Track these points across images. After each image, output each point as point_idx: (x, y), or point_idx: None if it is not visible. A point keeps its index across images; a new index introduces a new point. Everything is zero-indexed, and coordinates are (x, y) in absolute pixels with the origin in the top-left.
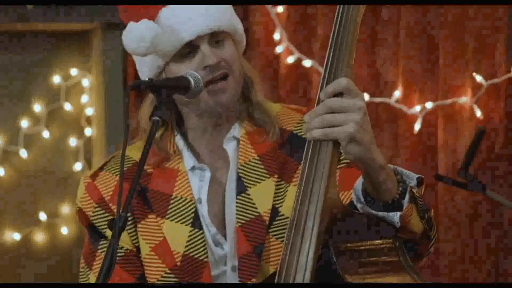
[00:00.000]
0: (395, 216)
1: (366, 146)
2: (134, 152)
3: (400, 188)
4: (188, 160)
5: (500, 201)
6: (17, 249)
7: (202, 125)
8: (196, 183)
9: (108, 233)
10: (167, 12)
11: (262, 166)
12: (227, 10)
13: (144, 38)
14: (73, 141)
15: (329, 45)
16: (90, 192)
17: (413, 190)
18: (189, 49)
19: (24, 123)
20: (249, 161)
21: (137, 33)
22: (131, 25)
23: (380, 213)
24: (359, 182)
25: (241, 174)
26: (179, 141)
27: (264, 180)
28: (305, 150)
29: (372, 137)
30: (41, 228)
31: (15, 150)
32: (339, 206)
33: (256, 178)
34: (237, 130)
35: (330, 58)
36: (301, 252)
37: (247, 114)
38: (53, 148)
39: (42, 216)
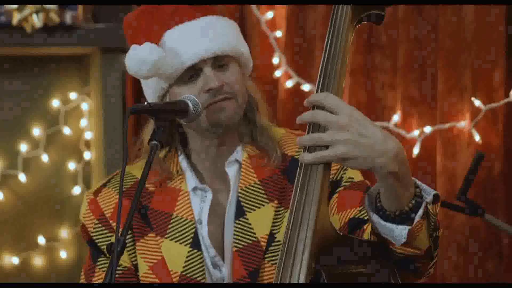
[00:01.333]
0: (404, 231)
1: (363, 158)
2: (137, 171)
3: (413, 201)
4: (191, 180)
5: (499, 225)
6: (15, 273)
7: (205, 147)
8: (197, 204)
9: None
10: (171, 34)
11: (262, 191)
12: (232, 34)
13: (146, 61)
14: (72, 165)
15: (319, 70)
16: (92, 208)
17: (428, 206)
18: (192, 72)
19: (23, 147)
20: (250, 185)
21: (139, 56)
22: (134, 48)
23: (389, 224)
24: (375, 186)
25: (241, 198)
26: (182, 161)
27: (263, 206)
28: (296, 174)
29: (372, 145)
30: (39, 252)
31: (13, 174)
32: (330, 230)
33: (255, 203)
34: (239, 154)
35: (321, 81)
36: (292, 276)
37: (251, 137)
38: (52, 172)
39: (41, 240)
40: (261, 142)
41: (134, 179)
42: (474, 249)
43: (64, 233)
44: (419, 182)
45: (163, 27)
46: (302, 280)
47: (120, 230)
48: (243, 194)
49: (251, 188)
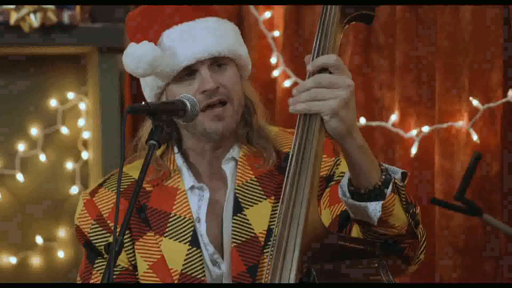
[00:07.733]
0: (377, 205)
1: (348, 124)
2: (133, 171)
3: (383, 177)
4: (188, 179)
5: (497, 225)
6: (13, 273)
7: (200, 147)
8: (195, 202)
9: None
10: (170, 34)
11: (259, 188)
12: (231, 36)
13: (143, 60)
14: (69, 165)
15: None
16: (88, 209)
17: (396, 181)
18: (189, 71)
19: (21, 147)
20: (247, 182)
21: (136, 54)
22: (132, 46)
23: (363, 203)
24: (345, 177)
25: (238, 195)
26: (179, 160)
27: (261, 202)
28: (286, 172)
29: (355, 117)
30: (37, 251)
31: (11, 174)
32: (320, 228)
33: (253, 199)
34: (236, 152)
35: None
36: (283, 274)
37: (247, 138)
38: (50, 171)
39: (39, 239)
40: (257, 144)
41: (132, 179)
42: (472, 249)
43: (62, 233)
44: (385, 164)
45: (162, 26)
46: (292, 279)
47: (118, 230)
48: (240, 190)
49: (248, 184)
